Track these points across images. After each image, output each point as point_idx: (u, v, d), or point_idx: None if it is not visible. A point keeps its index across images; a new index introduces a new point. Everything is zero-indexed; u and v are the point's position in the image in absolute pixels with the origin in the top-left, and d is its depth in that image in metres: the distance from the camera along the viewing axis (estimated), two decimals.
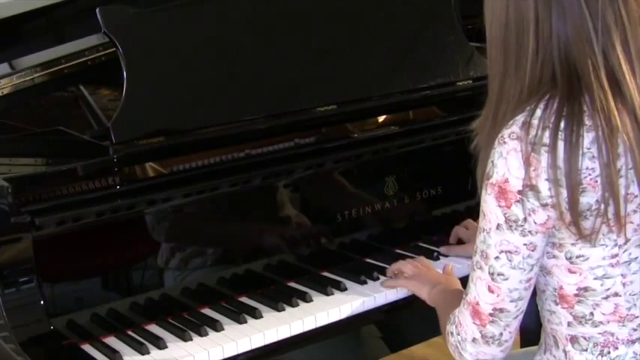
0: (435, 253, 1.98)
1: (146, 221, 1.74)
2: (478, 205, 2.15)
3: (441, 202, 2.11)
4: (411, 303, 1.83)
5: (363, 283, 1.86)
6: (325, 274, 1.92)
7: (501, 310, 1.43)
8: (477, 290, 1.44)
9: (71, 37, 2.21)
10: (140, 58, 1.82)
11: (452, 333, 1.51)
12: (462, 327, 1.48)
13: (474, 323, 1.46)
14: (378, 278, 1.87)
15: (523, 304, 1.45)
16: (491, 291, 1.42)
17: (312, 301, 1.79)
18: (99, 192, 1.67)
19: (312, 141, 1.96)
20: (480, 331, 1.46)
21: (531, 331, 2.22)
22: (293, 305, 1.77)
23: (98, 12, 1.81)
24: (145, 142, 1.78)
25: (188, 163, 1.81)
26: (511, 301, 1.43)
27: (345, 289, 1.84)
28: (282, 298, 1.78)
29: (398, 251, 2.00)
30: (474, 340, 1.47)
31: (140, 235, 1.75)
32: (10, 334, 1.56)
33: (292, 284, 1.87)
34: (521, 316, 1.47)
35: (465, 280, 1.78)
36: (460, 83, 2.18)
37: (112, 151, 1.73)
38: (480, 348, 1.47)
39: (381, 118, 2.11)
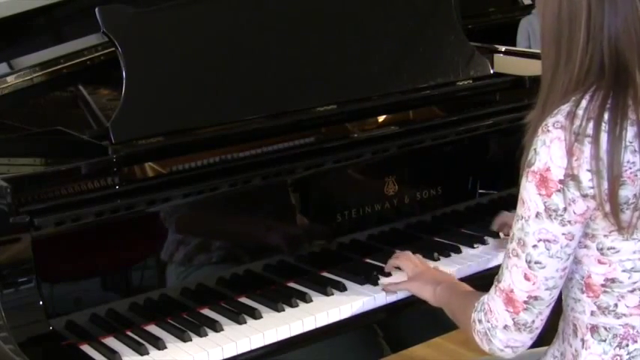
0: (435, 253, 1.97)
1: (145, 222, 1.74)
2: (477, 205, 2.17)
3: (440, 202, 2.10)
4: (411, 303, 1.83)
5: (363, 283, 1.86)
6: (325, 274, 1.92)
7: (536, 298, 1.44)
8: (512, 278, 1.45)
9: (70, 37, 2.21)
10: (139, 57, 1.82)
11: (480, 320, 1.51)
12: (492, 314, 1.49)
13: (507, 310, 1.46)
14: (377, 278, 1.87)
15: (556, 292, 1.46)
16: (527, 279, 1.43)
17: (311, 301, 1.79)
18: (98, 192, 1.67)
19: (312, 141, 1.96)
20: (513, 319, 1.46)
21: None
22: (293, 305, 1.77)
23: (97, 11, 1.81)
24: (144, 142, 1.78)
25: (187, 163, 1.81)
26: (546, 289, 1.44)
27: (345, 289, 1.84)
28: (282, 299, 1.78)
29: (398, 251, 1.99)
30: (505, 327, 1.47)
31: (139, 235, 1.75)
32: (9, 335, 1.56)
33: (292, 284, 1.87)
34: (553, 304, 1.48)
35: (464, 281, 1.78)
36: (460, 83, 2.18)
37: (111, 151, 1.73)
38: (511, 335, 1.48)
39: (381, 118, 2.11)
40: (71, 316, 1.66)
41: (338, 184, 1.97)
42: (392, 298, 1.82)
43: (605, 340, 1.47)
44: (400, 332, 2.36)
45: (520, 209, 1.43)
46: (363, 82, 2.05)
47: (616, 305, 1.45)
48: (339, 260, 1.95)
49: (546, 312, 1.47)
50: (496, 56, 2.49)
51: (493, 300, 1.49)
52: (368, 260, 1.97)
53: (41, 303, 1.60)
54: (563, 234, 1.39)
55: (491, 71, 2.28)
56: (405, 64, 2.11)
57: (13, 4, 2.20)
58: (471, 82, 2.19)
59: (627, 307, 1.45)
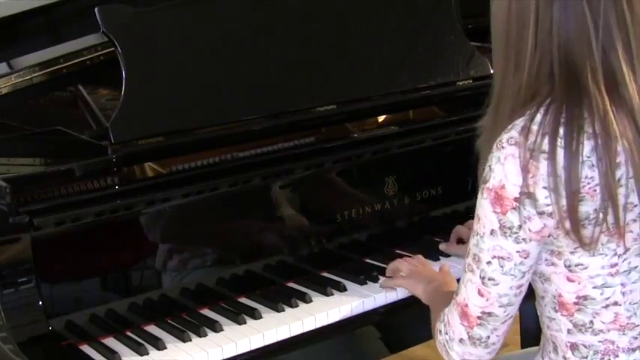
0: (435, 253, 1.97)
1: (145, 221, 1.74)
2: None
3: (440, 203, 2.10)
4: (411, 304, 1.82)
5: (363, 283, 1.85)
6: (325, 274, 1.91)
7: (490, 314, 1.43)
8: (467, 292, 1.44)
9: (70, 37, 2.20)
10: (139, 57, 1.82)
11: (440, 331, 1.51)
12: (450, 326, 1.48)
13: (462, 324, 1.45)
14: (377, 279, 1.86)
15: (512, 310, 1.44)
16: (481, 294, 1.42)
17: (311, 301, 1.78)
18: (98, 192, 1.66)
19: (311, 141, 1.96)
20: (468, 333, 1.45)
21: (531, 332, 2.23)
22: (292, 306, 1.77)
23: (97, 11, 1.81)
24: (143, 142, 1.78)
25: (187, 163, 1.80)
26: (500, 306, 1.42)
27: (345, 289, 1.83)
28: (282, 299, 1.77)
29: (398, 251, 1.99)
30: (461, 340, 1.47)
31: (139, 235, 1.75)
32: (9, 335, 1.56)
33: (292, 285, 1.87)
34: (510, 322, 1.46)
35: None
36: (460, 83, 2.18)
37: (110, 151, 1.73)
38: (466, 349, 1.47)
39: (381, 118, 2.11)
40: (71, 316, 1.66)
41: (338, 184, 1.97)
42: (392, 298, 1.82)
43: (586, 357, 1.45)
44: (400, 332, 2.36)
45: (476, 225, 1.40)
46: (363, 82, 2.04)
47: (592, 322, 1.43)
48: (338, 260, 1.95)
49: (502, 328, 1.45)
50: None
51: (451, 313, 1.48)
52: (368, 260, 1.97)
53: (41, 303, 1.60)
54: (517, 251, 1.37)
55: (492, 71, 2.27)
56: (405, 64, 2.11)
57: (13, 4, 2.19)
58: (471, 81, 2.19)
59: (603, 323, 1.42)
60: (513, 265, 1.38)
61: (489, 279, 1.40)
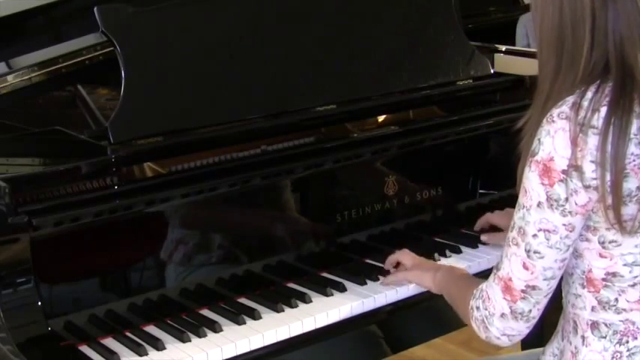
0: (435, 253, 1.97)
1: (144, 222, 1.73)
2: (478, 205, 2.16)
3: (440, 202, 2.10)
4: (411, 304, 1.83)
5: (363, 283, 1.85)
6: (325, 274, 1.91)
7: (534, 288, 1.45)
8: (511, 266, 1.46)
9: (69, 36, 2.20)
10: (138, 57, 1.82)
11: (478, 307, 1.52)
12: (490, 302, 1.50)
13: (505, 299, 1.47)
14: (377, 279, 1.86)
15: (555, 283, 1.47)
16: (525, 268, 1.44)
17: (311, 301, 1.78)
18: (97, 192, 1.66)
19: (311, 141, 1.96)
20: (510, 307, 1.47)
21: (532, 333, 2.22)
22: (292, 306, 1.76)
23: (96, 11, 1.81)
24: (143, 142, 1.78)
25: (187, 163, 1.80)
26: (544, 280, 1.44)
27: (345, 289, 1.83)
28: (282, 299, 1.77)
29: (397, 251, 1.98)
30: (502, 315, 1.48)
31: (138, 235, 1.74)
32: (8, 335, 1.55)
33: (291, 285, 1.86)
34: (551, 295, 1.48)
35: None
36: (460, 83, 2.18)
37: (110, 151, 1.73)
38: (507, 323, 1.48)
39: (381, 118, 2.10)
40: (70, 317, 1.66)
41: (338, 184, 1.96)
42: (392, 298, 1.82)
43: (605, 337, 1.48)
44: (400, 333, 2.35)
45: (522, 198, 1.43)
46: (363, 81, 2.04)
47: (617, 300, 1.46)
48: (338, 261, 1.94)
49: (544, 302, 1.48)
50: (497, 56, 2.49)
51: (491, 288, 1.50)
52: (368, 261, 1.97)
53: (40, 303, 1.60)
54: (563, 224, 1.40)
55: (492, 71, 2.28)
56: (405, 64, 2.11)
57: (12, 4, 2.19)
58: (471, 81, 2.19)
59: (628, 301, 1.45)
60: (559, 238, 1.41)
61: (535, 252, 1.42)
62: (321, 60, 2.01)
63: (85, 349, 1.64)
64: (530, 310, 1.47)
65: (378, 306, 1.81)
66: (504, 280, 1.47)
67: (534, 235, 1.42)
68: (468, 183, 2.16)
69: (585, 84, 1.40)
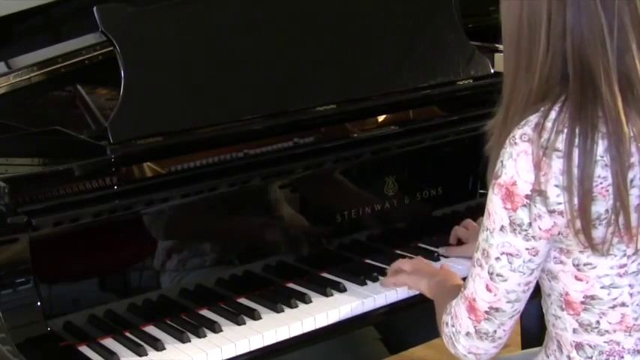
0: (435, 254, 1.97)
1: (144, 222, 1.73)
2: (478, 205, 2.16)
3: (441, 203, 2.09)
4: (411, 304, 1.82)
5: (363, 284, 1.85)
6: (324, 274, 1.91)
7: (497, 310, 1.43)
8: (475, 287, 1.44)
9: (68, 36, 2.20)
10: (138, 57, 1.81)
11: (447, 324, 1.51)
12: (457, 319, 1.48)
13: (469, 318, 1.46)
14: (377, 279, 1.86)
15: (520, 306, 1.44)
16: (489, 290, 1.42)
17: (311, 302, 1.78)
18: (96, 192, 1.66)
19: (311, 141, 1.95)
20: (475, 327, 1.45)
21: (532, 333, 2.22)
22: (292, 306, 1.76)
23: (95, 10, 1.80)
24: (142, 142, 1.77)
25: (186, 163, 1.80)
26: (507, 302, 1.42)
27: (345, 290, 1.83)
28: (281, 299, 1.77)
29: (398, 252, 1.98)
30: (467, 334, 1.47)
31: (138, 235, 1.74)
32: (7, 336, 1.55)
33: (291, 285, 1.86)
34: (517, 316, 1.46)
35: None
36: (460, 82, 2.17)
37: (109, 151, 1.72)
38: (473, 342, 1.47)
39: (381, 118, 2.10)
40: (69, 317, 1.66)
41: (338, 184, 1.96)
42: (392, 298, 1.81)
43: (591, 357, 1.45)
44: (400, 333, 2.35)
45: (486, 220, 1.40)
46: (363, 81, 2.04)
47: (598, 322, 1.42)
48: (338, 261, 1.94)
49: (509, 323, 1.45)
50: (497, 56, 2.48)
51: (458, 306, 1.48)
52: (368, 261, 1.97)
53: (39, 304, 1.59)
54: (526, 249, 1.37)
55: (492, 71, 2.27)
56: (405, 64, 2.10)
57: (11, 3, 2.19)
58: (471, 81, 2.18)
59: (610, 323, 1.42)
60: (522, 262, 1.38)
61: (498, 275, 1.40)
62: (321, 60, 2.01)
63: (84, 349, 1.64)
64: (495, 331, 1.45)
65: (378, 306, 1.81)
66: (469, 299, 1.45)
67: (497, 258, 1.39)
68: (468, 183, 2.15)
69: (549, 97, 1.34)
